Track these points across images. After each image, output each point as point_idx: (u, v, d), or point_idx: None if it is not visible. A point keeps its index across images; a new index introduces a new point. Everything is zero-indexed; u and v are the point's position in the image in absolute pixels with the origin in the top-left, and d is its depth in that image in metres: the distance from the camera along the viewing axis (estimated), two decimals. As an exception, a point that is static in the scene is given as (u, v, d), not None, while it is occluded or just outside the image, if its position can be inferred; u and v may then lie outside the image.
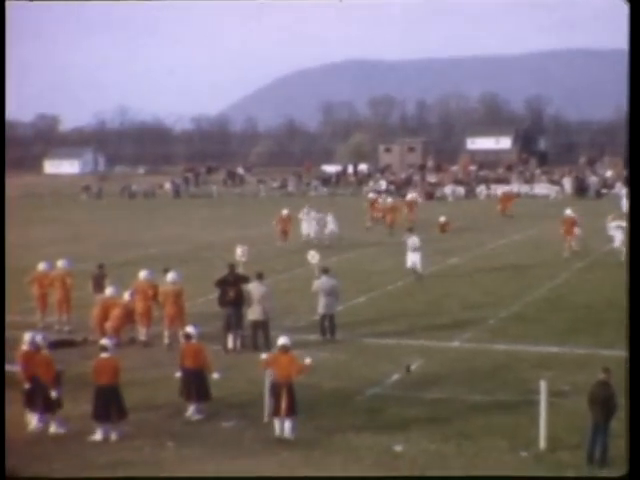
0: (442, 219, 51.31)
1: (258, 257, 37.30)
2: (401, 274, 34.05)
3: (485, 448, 16.05)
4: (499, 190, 77.04)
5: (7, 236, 23.73)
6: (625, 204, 57.89)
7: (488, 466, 15.22)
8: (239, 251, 29.62)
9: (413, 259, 33.79)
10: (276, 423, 16.87)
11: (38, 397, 17.42)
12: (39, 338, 18.17)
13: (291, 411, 16.78)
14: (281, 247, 44.41)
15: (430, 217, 52.69)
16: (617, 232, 38.21)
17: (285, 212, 47.10)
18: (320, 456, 15.86)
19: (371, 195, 60.73)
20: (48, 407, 17.43)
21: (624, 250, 35.00)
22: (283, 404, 16.72)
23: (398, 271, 34.39)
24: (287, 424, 16.74)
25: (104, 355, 17.35)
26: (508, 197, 66.21)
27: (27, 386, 17.68)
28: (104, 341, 17.93)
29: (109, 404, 16.99)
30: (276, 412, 16.87)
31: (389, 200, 57.14)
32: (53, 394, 17.32)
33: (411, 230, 35.62)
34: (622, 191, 64.95)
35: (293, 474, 15.08)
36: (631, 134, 14.57)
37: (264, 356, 17.96)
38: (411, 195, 62.72)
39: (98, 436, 16.98)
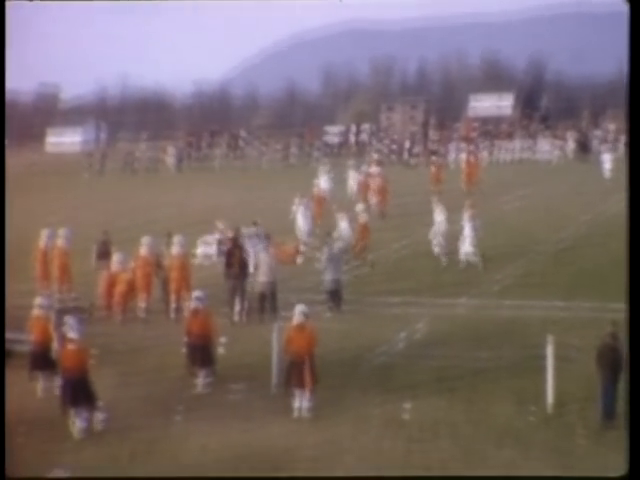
0: (433, 168, 49.55)
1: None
2: (407, 241, 33.78)
3: (493, 412, 16.07)
4: (463, 155, 61.43)
5: (10, 211, 23.24)
6: (607, 168, 54.12)
7: (496, 430, 15.24)
8: (220, 225, 29.12)
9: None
10: (297, 395, 16.61)
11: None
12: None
13: (314, 383, 16.54)
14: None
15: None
16: (468, 227, 28.70)
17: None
18: (328, 425, 15.87)
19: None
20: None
21: (473, 252, 28.42)
22: (307, 376, 16.47)
23: (403, 238, 34.13)
24: (305, 403, 16.49)
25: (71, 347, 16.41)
26: (473, 164, 52.63)
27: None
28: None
29: (77, 392, 16.17)
30: (299, 384, 16.52)
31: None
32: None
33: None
34: (605, 156, 56.66)
35: (301, 443, 15.09)
36: (631, 136, 14.53)
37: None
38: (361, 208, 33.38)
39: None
